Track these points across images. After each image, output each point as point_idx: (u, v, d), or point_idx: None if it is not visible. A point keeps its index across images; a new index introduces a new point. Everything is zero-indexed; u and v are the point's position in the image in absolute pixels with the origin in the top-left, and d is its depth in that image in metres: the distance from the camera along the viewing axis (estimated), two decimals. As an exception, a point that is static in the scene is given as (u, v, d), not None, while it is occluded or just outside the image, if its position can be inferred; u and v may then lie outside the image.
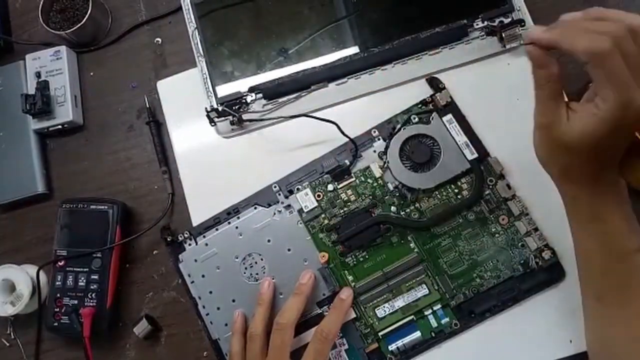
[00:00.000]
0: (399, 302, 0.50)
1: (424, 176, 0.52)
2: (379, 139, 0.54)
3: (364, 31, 0.56)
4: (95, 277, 0.55)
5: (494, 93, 0.54)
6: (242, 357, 0.49)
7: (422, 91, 0.54)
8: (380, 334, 0.50)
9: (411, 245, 0.51)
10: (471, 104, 0.53)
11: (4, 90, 0.63)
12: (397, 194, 0.52)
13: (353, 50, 0.56)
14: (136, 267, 0.58)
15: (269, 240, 0.53)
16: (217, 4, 0.58)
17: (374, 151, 0.54)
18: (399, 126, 0.53)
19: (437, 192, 0.52)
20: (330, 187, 0.53)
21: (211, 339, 0.53)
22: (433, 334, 0.50)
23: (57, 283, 0.55)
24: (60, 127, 0.61)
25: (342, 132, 0.53)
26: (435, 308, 0.50)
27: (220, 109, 0.56)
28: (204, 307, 0.53)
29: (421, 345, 0.50)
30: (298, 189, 0.54)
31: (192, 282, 0.53)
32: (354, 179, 0.53)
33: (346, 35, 0.56)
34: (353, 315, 0.50)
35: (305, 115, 0.54)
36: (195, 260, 0.54)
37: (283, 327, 0.47)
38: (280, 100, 0.56)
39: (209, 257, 0.53)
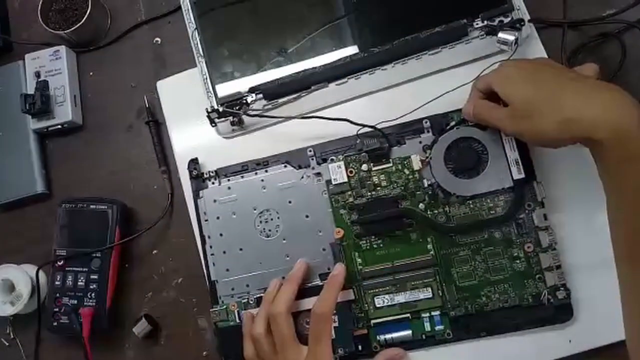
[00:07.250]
0: (400, 298, 0.50)
1: (463, 183, 0.49)
2: (428, 131, 0.51)
3: (364, 31, 0.56)
4: (95, 277, 0.55)
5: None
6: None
7: (426, 90, 0.53)
8: (372, 321, 0.50)
9: (428, 246, 0.50)
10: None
11: (3, 90, 0.63)
12: (430, 193, 0.50)
13: (353, 50, 0.55)
14: (136, 267, 0.58)
15: (290, 201, 0.53)
16: (217, 4, 0.58)
17: (420, 142, 0.51)
18: (453, 123, 0.50)
19: (470, 202, 0.50)
20: (364, 167, 0.52)
21: (210, 279, 0.53)
22: (423, 337, 0.49)
23: (57, 283, 0.55)
24: (59, 127, 0.61)
25: (362, 125, 0.52)
26: (433, 313, 0.49)
27: (221, 109, 0.56)
28: (210, 247, 0.53)
29: (409, 344, 0.50)
30: (332, 159, 0.53)
31: (206, 220, 0.54)
32: (390, 165, 0.51)
33: (346, 35, 0.56)
34: (352, 297, 0.50)
35: (317, 117, 0.53)
36: (214, 201, 0.54)
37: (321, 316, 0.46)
38: (281, 100, 0.56)
39: (228, 201, 0.54)
